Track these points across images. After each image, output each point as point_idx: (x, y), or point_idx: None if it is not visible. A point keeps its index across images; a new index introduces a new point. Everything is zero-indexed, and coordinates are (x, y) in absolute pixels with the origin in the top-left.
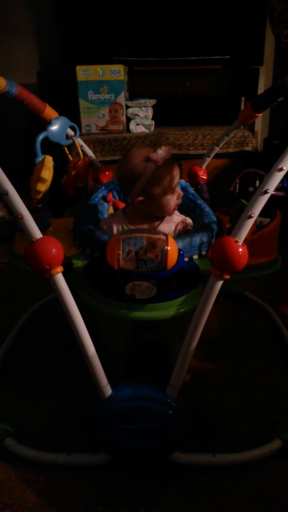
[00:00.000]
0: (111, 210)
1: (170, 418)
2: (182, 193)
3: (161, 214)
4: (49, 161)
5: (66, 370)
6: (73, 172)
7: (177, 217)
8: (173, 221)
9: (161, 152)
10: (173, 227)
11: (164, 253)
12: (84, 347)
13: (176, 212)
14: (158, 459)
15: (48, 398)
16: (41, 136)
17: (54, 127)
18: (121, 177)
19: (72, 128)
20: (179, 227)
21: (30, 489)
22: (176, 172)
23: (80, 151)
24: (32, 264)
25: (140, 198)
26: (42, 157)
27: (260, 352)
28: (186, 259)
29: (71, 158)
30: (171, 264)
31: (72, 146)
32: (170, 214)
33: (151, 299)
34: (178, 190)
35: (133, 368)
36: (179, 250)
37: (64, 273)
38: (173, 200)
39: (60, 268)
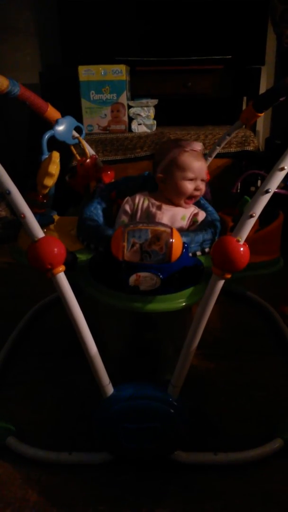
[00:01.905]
0: (115, 209)
1: (172, 417)
2: (202, 188)
3: (175, 196)
4: (56, 156)
5: (67, 369)
6: (82, 171)
7: (193, 208)
8: (187, 211)
9: (194, 143)
10: (188, 215)
11: (169, 246)
12: (86, 346)
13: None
14: (159, 458)
15: (50, 397)
16: (47, 135)
17: (61, 127)
18: (156, 156)
19: (77, 128)
20: (194, 212)
21: (32, 488)
22: (199, 165)
23: (86, 150)
24: (34, 263)
25: (160, 175)
26: (49, 153)
27: (262, 352)
28: (189, 254)
29: (79, 158)
30: (175, 256)
31: (77, 146)
32: (184, 202)
33: (155, 291)
34: (199, 183)
35: (132, 368)
36: (184, 243)
37: (68, 268)
38: (189, 187)
39: (62, 268)
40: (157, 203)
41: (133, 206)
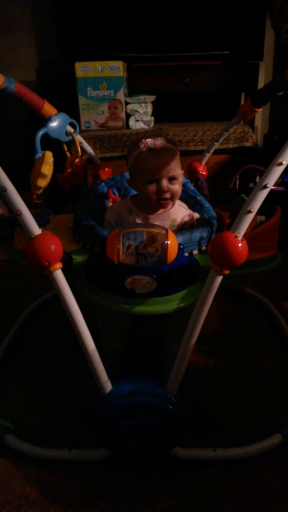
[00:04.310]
0: None
1: (171, 413)
2: (171, 189)
3: (144, 200)
4: (49, 156)
5: (66, 366)
6: (69, 169)
7: (184, 210)
8: (177, 214)
9: (149, 140)
10: (179, 218)
11: (164, 248)
12: (84, 343)
13: (183, 204)
14: (158, 454)
15: (48, 395)
16: (40, 132)
17: (54, 124)
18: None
19: (72, 124)
20: (186, 219)
21: (31, 485)
22: (158, 164)
23: (79, 148)
24: (31, 261)
25: (129, 178)
26: (42, 152)
27: (261, 348)
28: (186, 254)
29: (69, 155)
30: (171, 258)
31: (71, 143)
32: (153, 205)
33: (151, 293)
34: (164, 184)
35: (132, 364)
36: (179, 244)
37: (63, 269)
38: (151, 190)
39: (59, 265)
40: (142, 214)
41: (116, 218)
